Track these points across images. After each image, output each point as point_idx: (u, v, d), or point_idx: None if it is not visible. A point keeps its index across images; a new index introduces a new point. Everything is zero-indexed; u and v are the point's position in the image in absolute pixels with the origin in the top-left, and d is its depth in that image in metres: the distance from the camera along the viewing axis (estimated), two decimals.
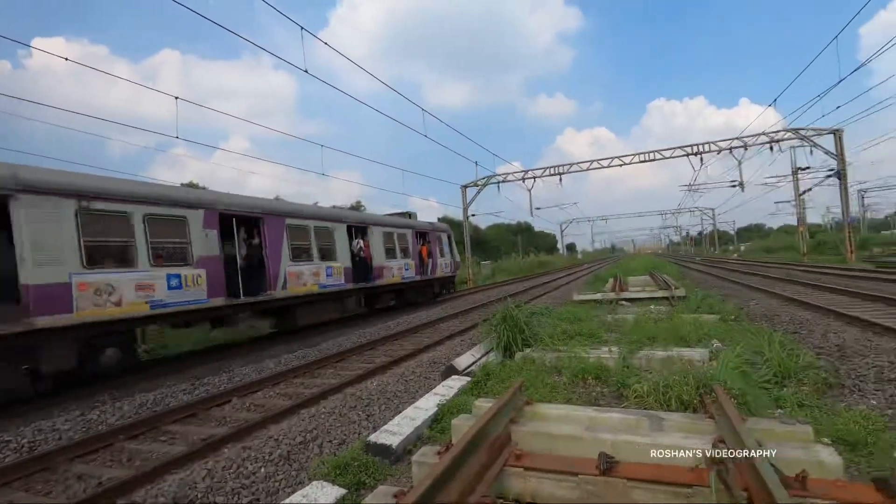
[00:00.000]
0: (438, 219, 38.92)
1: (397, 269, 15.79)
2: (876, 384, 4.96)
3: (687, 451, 2.91)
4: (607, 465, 2.60)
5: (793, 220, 39.05)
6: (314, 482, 3.42)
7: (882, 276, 16.80)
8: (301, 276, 11.33)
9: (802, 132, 27.66)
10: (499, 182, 35.54)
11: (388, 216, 17.25)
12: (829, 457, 2.71)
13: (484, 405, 3.83)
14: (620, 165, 32.05)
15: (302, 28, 9.71)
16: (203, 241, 9.06)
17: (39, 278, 6.61)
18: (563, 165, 33.89)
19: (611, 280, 17.54)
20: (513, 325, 7.09)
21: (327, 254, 12.39)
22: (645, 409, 4.17)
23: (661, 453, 2.98)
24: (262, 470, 4.06)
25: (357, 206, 45.68)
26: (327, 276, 12.20)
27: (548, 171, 34.21)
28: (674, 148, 30.35)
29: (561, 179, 33.89)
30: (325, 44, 10.40)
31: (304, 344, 10.79)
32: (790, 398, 4.36)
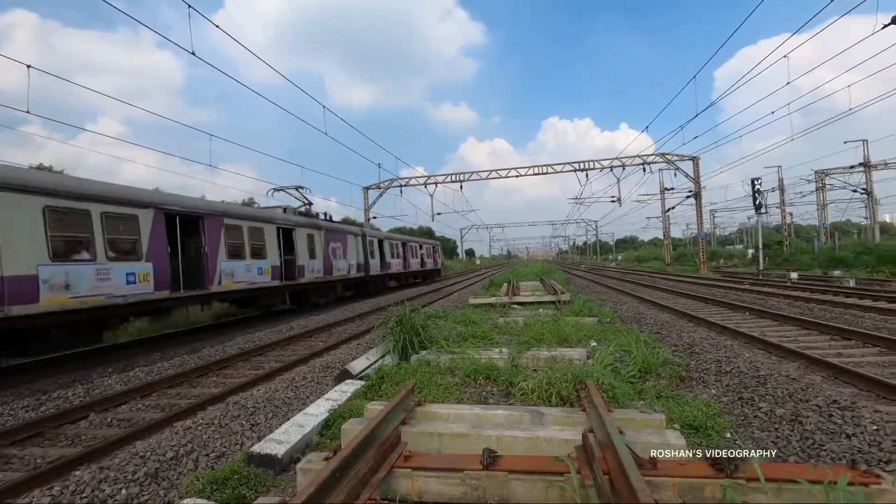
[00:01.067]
0: (340, 219, 38.58)
1: (429, 264, 34.98)
2: (716, 376, 5.80)
3: (562, 442, 3.17)
4: (490, 460, 2.73)
5: (661, 234, 44.27)
6: (186, 500, 3.14)
7: (724, 284, 19.74)
8: (409, 265, 28.49)
9: (669, 157, 31.57)
10: (401, 185, 35.70)
11: (421, 239, 35.61)
12: (676, 440, 3.11)
13: (375, 408, 3.81)
14: (517, 176, 34.06)
15: (189, 6, 8.88)
16: (390, 250, 25.37)
17: (372, 264, 22.42)
18: (464, 173, 35.04)
19: (505, 285, 18.41)
20: (409, 328, 7.13)
21: (406, 256, 28.45)
22: (529, 405, 4.45)
23: (540, 445, 3.21)
24: (123, 492, 3.61)
25: (250, 203, 42.92)
26: (411, 266, 29.13)
27: (450, 177, 35.13)
28: (564, 163, 32.98)
29: (462, 186, 34.98)
30: (217, 26, 9.63)
31: (183, 350, 9.85)
32: (650, 390, 4.94)
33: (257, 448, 3.76)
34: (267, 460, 3.63)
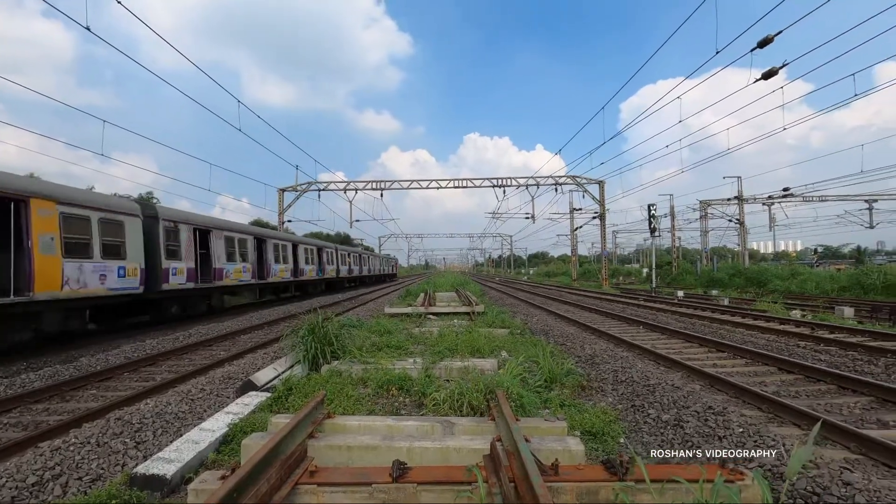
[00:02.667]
0: (251, 222, 37.05)
1: (391, 269, 64.86)
2: (613, 385, 6.26)
3: (471, 452, 3.23)
4: (400, 472, 2.70)
5: (569, 251, 47.12)
6: None
7: (623, 300, 21.44)
8: (386, 270, 58.86)
9: (578, 179, 33.84)
10: (320, 189, 34.70)
11: (394, 257, 74.84)
12: (576, 446, 3.30)
13: (281, 421, 3.62)
14: (438, 188, 34.51)
15: None
16: (384, 263, 58.99)
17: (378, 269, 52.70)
18: (385, 181, 34.88)
19: (421, 295, 18.49)
20: (321, 337, 6.89)
21: (388, 266, 61.68)
22: (441, 415, 4.47)
23: (450, 456, 3.24)
24: None
25: (149, 197, 39.45)
26: (388, 271, 60.13)
27: (371, 184, 34.76)
28: (483, 179, 34.09)
29: (382, 194, 34.77)
30: (118, 2, 8.74)
31: (56, 360, 8.69)
32: (555, 399, 5.20)
33: (142, 468, 3.41)
34: (154, 481, 3.30)
